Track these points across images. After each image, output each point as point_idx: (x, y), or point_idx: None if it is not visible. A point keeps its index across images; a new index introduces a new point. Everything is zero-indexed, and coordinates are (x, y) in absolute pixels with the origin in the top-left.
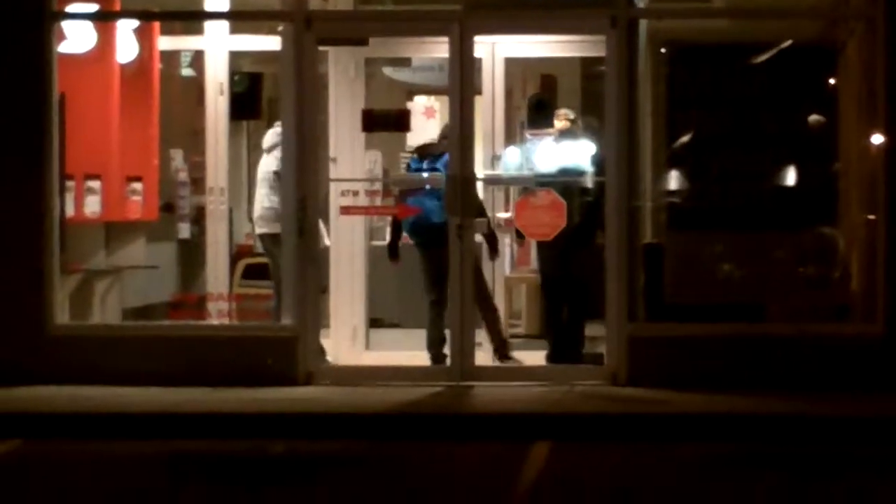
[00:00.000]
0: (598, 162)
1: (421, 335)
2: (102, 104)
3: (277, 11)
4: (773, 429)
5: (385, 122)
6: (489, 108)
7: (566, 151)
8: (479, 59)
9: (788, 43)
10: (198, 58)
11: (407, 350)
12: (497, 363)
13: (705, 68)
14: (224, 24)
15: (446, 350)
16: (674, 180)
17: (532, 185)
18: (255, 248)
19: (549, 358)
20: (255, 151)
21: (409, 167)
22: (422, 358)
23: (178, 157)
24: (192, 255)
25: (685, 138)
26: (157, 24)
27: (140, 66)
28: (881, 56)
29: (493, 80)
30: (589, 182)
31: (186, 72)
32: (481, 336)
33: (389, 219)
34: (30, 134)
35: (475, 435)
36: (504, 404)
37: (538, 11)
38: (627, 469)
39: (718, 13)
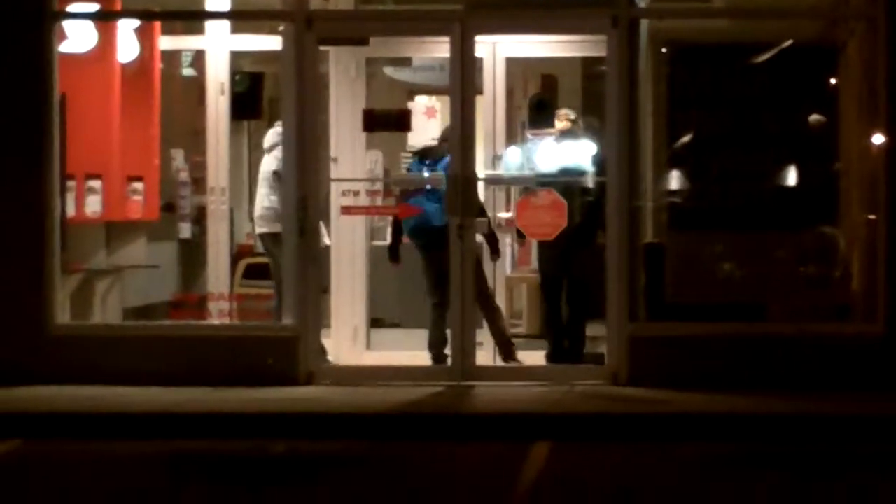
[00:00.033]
0: (599, 162)
1: (422, 335)
2: (103, 104)
3: (278, 11)
4: (773, 428)
5: (386, 121)
6: (490, 107)
7: (567, 151)
8: (480, 59)
9: (789, 43)
10: (199, 57)
11: (408, 350)
12: (500, 363)
13: (706, 68)
14: (225, 24)
15: (447, 351)
16: (675, 180)
17: (533, 184)
18: (256, 248)
19: (549, 358)
20: (255, 151)
21: (409, 171)
22: (423, 358)
23: (179, 156)
24: (192, 255)
25: (686, 138)
26: (157, 24)
27: (141, 66)
28: (882, 55)
29: (494, 79)
30: (590, 182)
31: (187, 71)
32: (482, 336)
33: (390, 219)
34: (31, 134)
35: (476, 435)
36: (505, 404)
37: (539, 11)
38: (628, 469)
39: (719, 13)
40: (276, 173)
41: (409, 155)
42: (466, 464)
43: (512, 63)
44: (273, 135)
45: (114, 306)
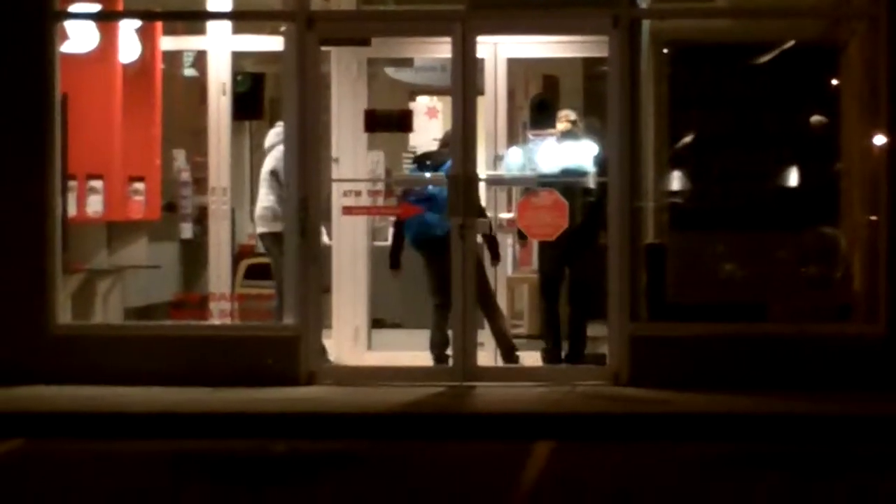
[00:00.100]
0: (601, 162)
1: (423, 335)
2: (105, 104)
3: (280, 11)
4: (774, 428)
5: (387, 122)
6: (491, 108)
7: (568, 152)
8: (482, 60)
9: (791, 43)
10: (200, 58)
11: (409, 350)
12: (501, 364)
13: (707, 68)
14: (226, 25)
15: (449, 351)
16: (676, 180)
17: (534, 185)
18: (257, 249)
19: (545, 357)
20: (257, 151)
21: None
22: (424, 358)
23: (180, 157)
24: (194, 255)
25: (687, 138)
26: (159, 24)
27: (142, 66)
28: (883, 55)
29: (495, 80)
30: (591, 182)
31: (189, 72)
32: (483, 336)
33: (392, 220)
34: (32, 134)
35: (477, 435)
36: (506, 404)
37: (540, 11)
38: (629, 469)
39: (720, 13)
40: (273, 173)
41: (410, 157)
42: (467, 464)
43: (513, 63)
44: (273, 135)
45: (115, 306)
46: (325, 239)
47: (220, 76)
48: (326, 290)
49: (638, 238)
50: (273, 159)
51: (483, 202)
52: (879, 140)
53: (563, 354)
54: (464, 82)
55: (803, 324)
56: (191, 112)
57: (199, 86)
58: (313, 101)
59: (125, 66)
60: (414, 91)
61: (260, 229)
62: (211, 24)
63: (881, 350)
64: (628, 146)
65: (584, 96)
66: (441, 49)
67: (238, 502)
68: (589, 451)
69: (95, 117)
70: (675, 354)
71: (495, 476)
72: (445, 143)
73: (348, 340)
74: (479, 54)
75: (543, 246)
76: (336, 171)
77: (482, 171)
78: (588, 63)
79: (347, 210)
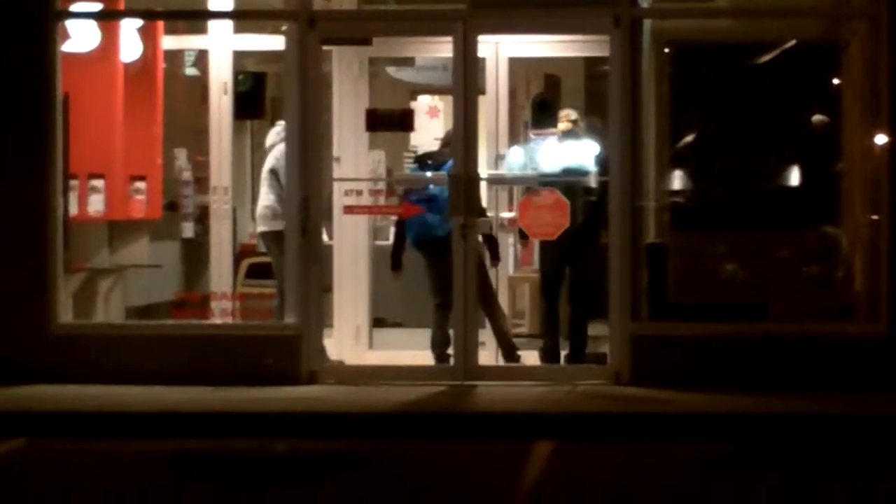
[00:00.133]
0: (602, 161)
1: (424, 334)
2: (106, 103)
3: (281, 11)
4: (775, 428)
5: (389, 121)
6: (493, 107)
7: (570, 151)
8: (483, 59)
9: (792, 43)
10: (201, 57)
11: (410, 350)
12: (502, 363)
13: (708, 68)
14: (228, 24)
15: (450, 350)
16: (677, 180)
17: (535, 184)
18: (259, 248)
19: (543, 356)
20: (258, 151)
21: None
22: (425, 357)
23: (181, 156)
24: (195, 255)
25: (689, 138)
26: (160, 24)
27: (144, 66)
28: (884, 55)
29: (496, 79)
30: (592, 182)
31: (190, 71)
32: (485, 336)
33: (393, 221)
34: (33, 133)
35: (478, 434)
36: (507, 404)
37: (541, 11)
38: (629, 468)
39: (722, 13)
40: (273, 172)
41: (412, 156)
42: (468, 463)
43: (514, 63)
44: (273, 134)
45: (116, 305)
46: (324, 238)
47: (221, 75)
48: (327, 289)
49: (639, 237)
50: (273, 158)
51: (484, 202)
52: (880, 139)
53: (561, 354)
54: (465, 82)
55: (804, 323)
56: (192, 111)
57: (200, 85)
58: (314, 100)
59: (127, 66)
60: (415, 90)
61: (260, 228)
62: (212, 24)
63: (882, 350)
64: (629, 146)
65: (586, 96)
66: (442, 48)
67: (239, 502)
68: (590, 450)
69: (97, 116)
70: (677, 354)
71: (496, 476)
72: (447, 142)
73: (349, 340)
74: (480, 54)
75: (544, 245)
76: (337, 171)
77: (483, 170)
78: (589, 62)
79: (349, 209)
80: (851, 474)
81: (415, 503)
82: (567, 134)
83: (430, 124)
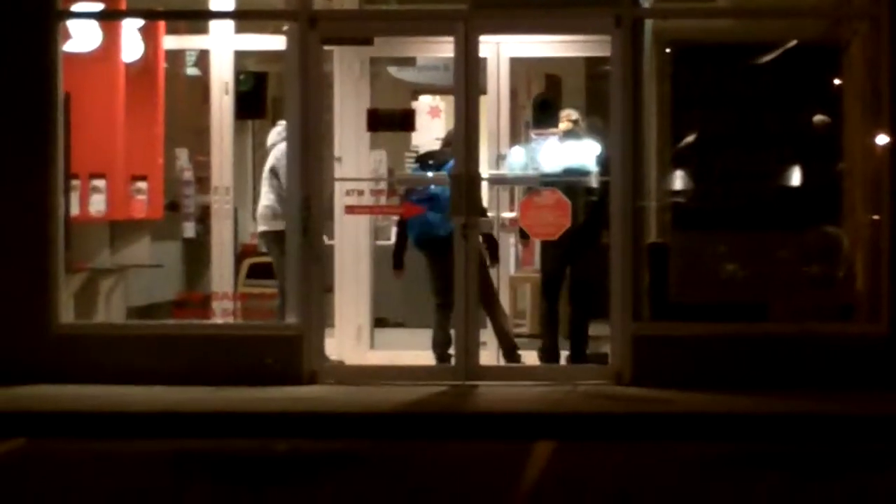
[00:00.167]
0: (603, 161)
1: (425, 334)
2: (107, 103)
3: (282, 11)
4: (776, 428)
5: (390, 121)
6: (494, 107)
7: (571, 151)
8: (484, 59)
9: (793, 43)
10: (203, 57)
11: (411, 349)
12: (503, 363)
13: (710, 68)
14: (229, 24)
15: (451, 350)
16: (678, 180)
17: (537, 184)
18: (260, 248)
19: (542, 356)
20: (259, 150)
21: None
22: (426, 357)
23: (182, 156)
24: (196, 254)
25: (690, 138)
26: (162, 24)
27: (145, 66)
28: (885, 55)
29: (498, 79)
30: (594, 182)
31: (191, 71)
32: (486, 336)
33: (395, 221)
34: (35, 133)
35: (479, 434)
36: (508, 404)
37: (543, 11)
38: (630, 469)
39: (723, 13)
40: (272, 171)
41: (413, 156)
42: (469, 463)
43: (516, 63)
44: (274, 133)
45: (117, 305)
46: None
47: (222, 75)
48: (328, 289)
49: (640, 237)
50: (273, 158)
51: (485, 202)
52: (882, 139)
53: (562, 354)
54: (466, 82)
55: (806, 323)
56: (193, 111)
57: (201, 85)
58: (316, 100)
59: (128, 66)
60: (416, 90)
61: (260, 228)
62: (213, 24)
63: (883, 349)
64: (631, 146)
65: (587, 96)
66: (444, 48)
67: (239, 502)
68: (590, 450)
69: (98, 116)
70: (678, 354)
71: (497, 476)
72: (448, 141)
73: (351, 339)
74: (481, 54)
75: (545, 245)
76: (339, 171)
77: (485, 170)
78: (590, 62)
79: (350, 209)
80: (852, 474)
81: (415, 503)
82: (568, 134)
83: (432, 124)
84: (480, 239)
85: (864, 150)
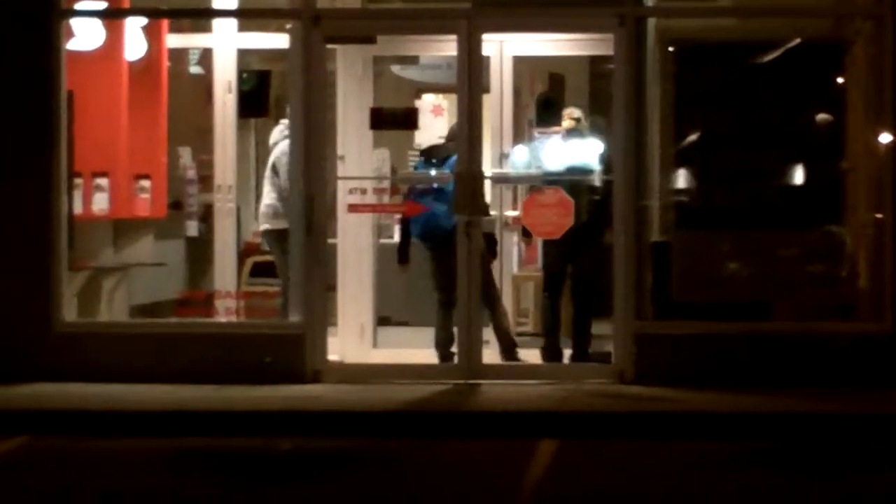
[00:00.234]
0: (606, 160)
1: (429, 333)
2: (111, 102)
3: (285, 9)
4: (779, 427)
5: (393, 120)
6: (497, 106)
7: (574, 150)
8: (488, 58)
9: (796, 41)
10: (206, 56)
11: (414, 348)
12: (504, 362)
13: (713, 67)
14: (232, 22)
15: (454, 349)
16: (681, 179)
17: (540, 183)
18: (263, 246)
19: (545, 356)
20: (262, 149)
21: (415, 170)
22: (429, 356)
23: (186, 154)
24: (199, 253)
25: (693, 137)
26: (165, 22)
27: (148, 64)
28: (888, 54)
29: (501, 78)
30: (597, 180)
31: (195, 69)
32: (489, 334)
33: (397, 218)
34: (38, 131)
35: (482, 432)
36: (510, 402)
37: (546, 9)
38: (633, 467)
39: (726, 12)
40: (273, 168)
41: (416, 154)
42: (472, 461)
43: (519, 61)
44: (276, 132)
45: (120, 304)
46: None
47: (225, 74)
48: (331, 288)
49: (643, 236)
50: (274, 156)
51: (488, 200)
52: (885, 138)
53: (563, 352)
54: (469, 80)
55: (809, 322)
56: (196, 110)
57: (204, 83)
58: (319, 98)
59: (131, 64)
60: (420, 89)
61: (262, 226)
62: (217, 22)
63: (887, 348)
64: (633, 144)
65: (590, 94)
66: (447, 47)
67: (242, 500)
68: (593, 449)
69: (101, 115)
70: (681, 353)
71: (500, 474)
72: (451, 136)
73: (354, 338)
74: (484, 52)
75: (548, 244)
76: (342, 169)
77: (488, 168)
78: (594, 61)
79: (353, 208)
80: (856, 472)
81: (419, 501)
82: (571, 133)
83: (435, 122)
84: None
85: (867, 149)
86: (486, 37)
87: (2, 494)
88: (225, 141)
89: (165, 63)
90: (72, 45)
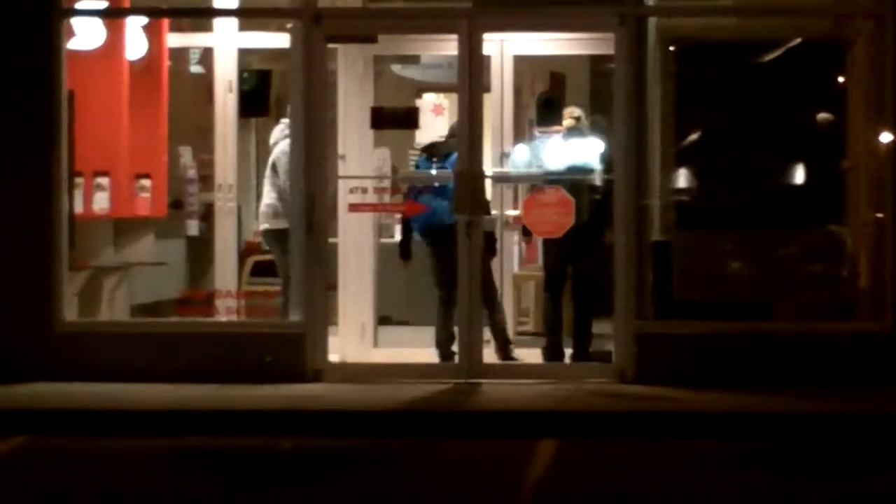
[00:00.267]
0: (607, 159)
1: (429, 332)
2: (111, 101)
3: (286, 9)
4: (780, 426)
5: (394, 119)
6: (498, 105)
7: (575, 149)
8: (488, 57)
9: (797, 41)
10: (207, 55)
11: (415, 347)
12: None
13: (714, 66)
14: (233, 22)
15: (455, 348)
16: (682, 178)
17: (541, 182)
18: (263, 245)
19: (546, 355)
20: (263, 148)
21: (417, 167)
22: (430, 355)
23: (186, 154)
24: (200, 252)
25: (694, 136)
26: (166, 21)
27: (149, 63)
28: (889, 53)
29: (501, 77)
30: (597, 180)
31: (195, 69)
32: (489, 334)
33: (398, 216)
34: (39, 130)
35: (483, 432)
36: (511, 401)
37: (547, 9)
38: (634, 466)
39: (727, 11)
40: (273, 167)
41: (417, 153)
42: (473, 460)
43: (520, 61)
44: (277, 131)
45: (121, 303)
46: None
47: (226, 73)
48: (331, 287)
49: (644, 235)
50: (274, 155)
51: (489, 199)
52: (885, 138)
53: (564, 352)
54: (470, 79)
55: (809, 321)
56: (197, 109)
57: (205, 83)
58: (319, 98)
59: (132, 63)
60: (420, 88)
61: (262, 226)
62: (217, 21)
63: (887, 347)
64: (634, 143)
65: (591, 94)
66: (448, 46)
67: (243, 500)
68: (594, 448)
69: (102, 114)
70: (681, 352)
71: (500, 474)
72: (452, 133)
73: (355, 337)
74: (485, 51)
75: (549, 243)
76: (342, 168)
77: (488, 168)
78: (594, 61)
79: (354, 207)
80: (857, 472)
81: (419, 501)
82: (572, 132)
83: (436, 122)
84: None
85: (868, 149)
86: (486, 36)
87: (2, 494)
88: (225, 140)
89: (166, 62)
90: (72, 44)
